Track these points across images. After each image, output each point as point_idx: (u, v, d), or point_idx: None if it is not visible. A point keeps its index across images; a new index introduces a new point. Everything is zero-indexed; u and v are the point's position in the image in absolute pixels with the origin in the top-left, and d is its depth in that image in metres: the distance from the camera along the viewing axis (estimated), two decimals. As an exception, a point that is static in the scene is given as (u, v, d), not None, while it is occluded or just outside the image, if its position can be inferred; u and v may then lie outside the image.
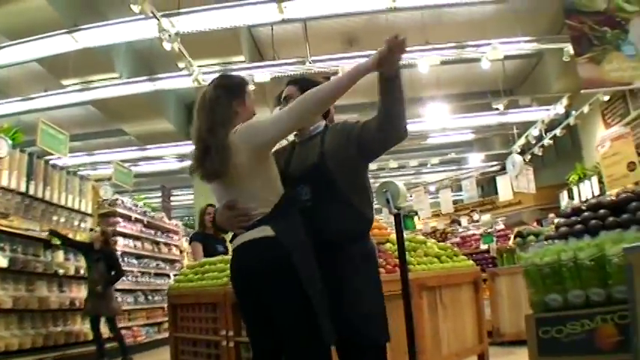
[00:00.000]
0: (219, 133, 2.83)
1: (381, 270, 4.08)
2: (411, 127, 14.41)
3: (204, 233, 6.79)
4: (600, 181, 13.49)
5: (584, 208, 3.97)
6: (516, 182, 14.95)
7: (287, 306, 2.76)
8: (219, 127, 2.85)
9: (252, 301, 2.92)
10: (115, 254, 9.25)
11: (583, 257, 3.04)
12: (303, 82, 3.23)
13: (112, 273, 8.75)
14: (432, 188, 20.72)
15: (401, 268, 3.39)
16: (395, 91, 2.82)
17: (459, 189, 20.31)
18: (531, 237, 7.94)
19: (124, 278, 10.87)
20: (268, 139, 2.84)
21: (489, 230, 10.77)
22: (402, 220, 3.52)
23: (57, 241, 8.83)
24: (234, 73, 3.50)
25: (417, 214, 15.87)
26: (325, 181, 3.04)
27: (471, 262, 5.91)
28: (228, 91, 3.00)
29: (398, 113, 2.87)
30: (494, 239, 9.55)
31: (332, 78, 2.93)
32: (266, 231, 2.80)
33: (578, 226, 3.73)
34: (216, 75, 3.24)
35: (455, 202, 19.49)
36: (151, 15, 8.04)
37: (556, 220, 9.81)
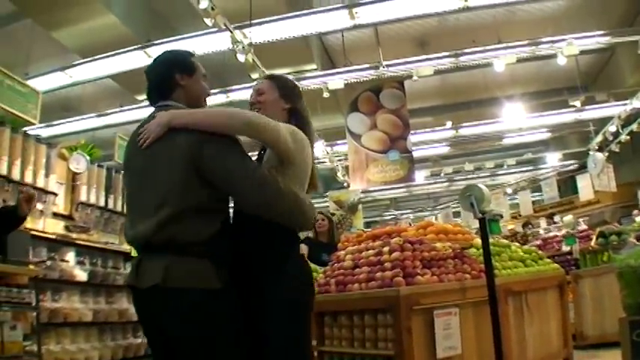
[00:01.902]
0: None
1: (466, 276, 4.05)
2: (486, 128, 14.16)
3: (314, 240, 6.91)
4: (679, 176, 13.06)
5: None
6: (598, 181, 14.55)
7: None
8: None
9: None
10: None
11: (680, 258, 2.95)
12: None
13: None
14: (509, 190, 20.30)
15: (487, 273, 3.36)
16: None
17: (537, 190, 19.84)
18: (613, 237, 7.70)
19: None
20: None
21: (572, 231, 10.48)
22: (488, 224, 3.48)
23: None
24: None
25: (502, 217, 15.61)
26: None
27: (556, 265, 5.78)
28: None
29: None
30: (577, 240, 9.30)
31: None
32: None
33: (672, 226, 3.62)
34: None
35: (532, 203, 19.03)
36: (224, 27, 8.17)
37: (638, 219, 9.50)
